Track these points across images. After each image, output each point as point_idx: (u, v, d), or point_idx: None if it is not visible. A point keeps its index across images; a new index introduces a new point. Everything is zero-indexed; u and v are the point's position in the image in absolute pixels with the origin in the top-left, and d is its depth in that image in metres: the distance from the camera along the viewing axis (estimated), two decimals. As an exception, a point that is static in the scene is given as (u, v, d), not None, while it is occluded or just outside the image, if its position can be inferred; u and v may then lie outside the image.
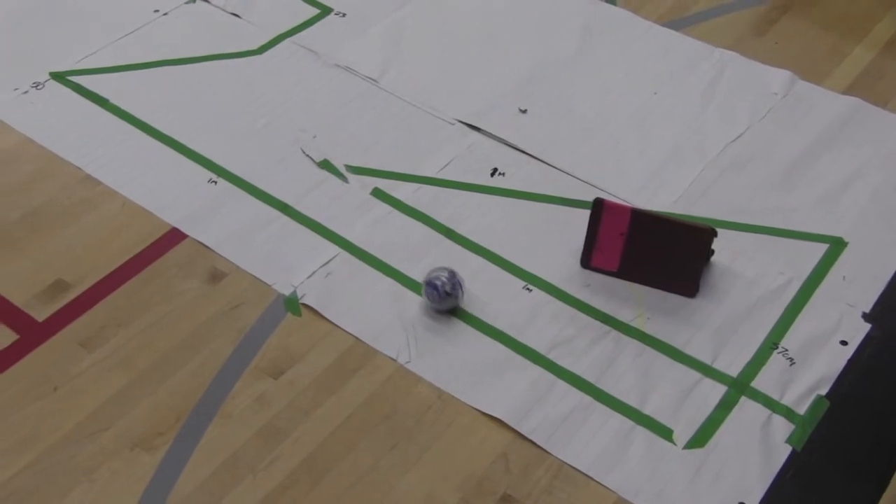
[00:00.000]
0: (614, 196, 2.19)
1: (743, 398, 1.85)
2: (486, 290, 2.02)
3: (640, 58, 2.60)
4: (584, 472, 1.74)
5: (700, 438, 1.79)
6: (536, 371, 1.89)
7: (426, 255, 2.08)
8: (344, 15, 2.72)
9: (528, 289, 2.03)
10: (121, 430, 1.80)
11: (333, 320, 1.97)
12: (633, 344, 1.93)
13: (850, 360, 1.91)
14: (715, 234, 2.03)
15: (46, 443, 1.78)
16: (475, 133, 2.38)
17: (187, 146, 2.33)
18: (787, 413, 1.82)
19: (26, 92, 2.47)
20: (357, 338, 1.94)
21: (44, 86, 2.48)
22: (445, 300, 1.95)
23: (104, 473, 1.74)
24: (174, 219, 2.17)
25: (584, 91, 2.49)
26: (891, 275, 2.06)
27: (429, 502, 1.71)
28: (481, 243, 2.12)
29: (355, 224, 2.16)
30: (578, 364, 1.90)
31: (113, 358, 1.91)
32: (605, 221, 2.03)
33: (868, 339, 1.95)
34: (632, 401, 1.84)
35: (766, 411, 1.83)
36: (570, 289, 2.03)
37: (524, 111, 2.43)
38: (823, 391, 1.86)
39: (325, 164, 2.29)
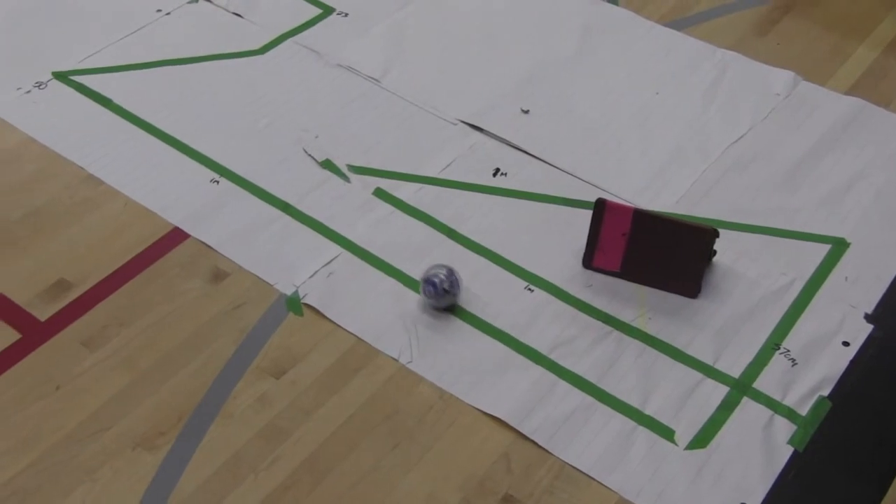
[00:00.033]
0: (616, 196, 2.19)
1: (745, 399, 1.85)
2: (487, 291, 2.02)
3: (641, 58, 2.60)
4: (586, 472, 1.74)
5: (702, 439, 1.79)
6: (538, 371, 1.89)
7: (428, 256, 2.08)
8: (346, 15, 2.72)
9: (529, 289, 2.03)
10: (123, 430, 1.80)
11: (335, 320, 1.97)
12: (635, 344, 1.93)
13: (852, 361, 1.91)
14: (717, 234, 2.03)
15: (48, 442, 1.78)
16: (477, 133, 2.38)
17: (189, 146, 2.33)
18: (789, 414, 1.82)
19: (29, 91, 2.47)
20: (359, 338, 1.95)
21: (46, 85, 2.49)
22: (444, 297, 1.96)
23: (106, 473, 1.74)
24: (176, 218, 2.17)
25: (586, 91, 2.49)
26: (893, 276, 2.06)
27: (430, 502, 1.71)
28: (483, 243, 2.12)
29: (357, 224, 2.16)
30: (580, 364, 1.90)
31: (115, 357, 1.91)
32: (607, 222, 2.03)
33: (870, 339, 1.94)
34: (633, 401, 1.84)
35: (768, 412, 1.83)
36: (572, 289, 2.03)
37: (526, 111, 2.43)
38: (825, 392, 1.86)
39: (327, 164, 2.29)
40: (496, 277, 2.05)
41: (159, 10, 2.72)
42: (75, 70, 2.52)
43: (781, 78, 2.51)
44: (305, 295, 2.01)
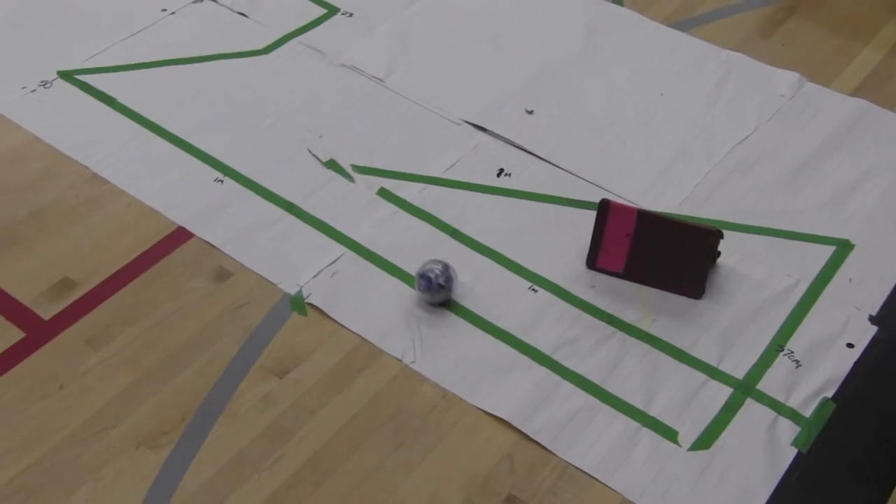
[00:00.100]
0: (620, 197, 2.19)
1: (749, 400, 1.84)
2: (491, 291, 2.02)
3: (646, 59, 2.60)
4: (589, 473, 1.74)
5: (705, 440, 1.79)
6: (542, 371, 1.89)
7: (432, 256, 2.07)
8: (351, 15, 2.72)
9: (533, 289, 2.03)
10: (126, 429, 1.80)
11: (339, 320, 1.97)
12: (639, 345, 1.93)
13: (856, 363, 1.91)
14: (721, 235, 2.02)
15: (52, 441, 1.78)
16: (481, 133, 2.38)
17: (194, 145, 2.33)
18: (793, 415, 1.82)
19: (34, 91, 2.47)
20: (362, 337, 1.95)
21: (51, 84, 2.49)
22: (439, 293, 1.96)
23: (109, 472, 1.74)
24: (180, 218, 2.17)
25: (591, 92, 2.49)
26: (897, 277, 2.06)
27: (433, 502, 1.71)
28: (487, 243, 2.12)
29: (361, 224, 2.16)
30: (584, 365, 1.90)
31: (119, 356, 1.92)
32: (611, 222, 2.03)
33: (874, 341, 1.94)
34: (637, 402, 1.84)
35: (772, 413, 1.82)
36: (576, 289, 2.03)
37: (530, 112, 2.42)
38: (829, 393, 1.86)
39: (332, 164, 2.29)
40: (500, 278, 2.05)
41: (164, 10, 2.72)
42: (80, 69, 2.53)
43: (786, 79, 2.51)
44: (309, 294, 2.01)
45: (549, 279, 2.05)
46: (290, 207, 2.19)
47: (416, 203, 2.20)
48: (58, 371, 1.89)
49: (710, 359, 1.91)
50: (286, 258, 2.09)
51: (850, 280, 2.04)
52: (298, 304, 2.00)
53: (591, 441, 1.78)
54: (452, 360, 1.91)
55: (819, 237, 2.13)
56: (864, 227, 2.15)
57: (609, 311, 1.99)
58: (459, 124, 2.40)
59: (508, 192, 2.24)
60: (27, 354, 1.92)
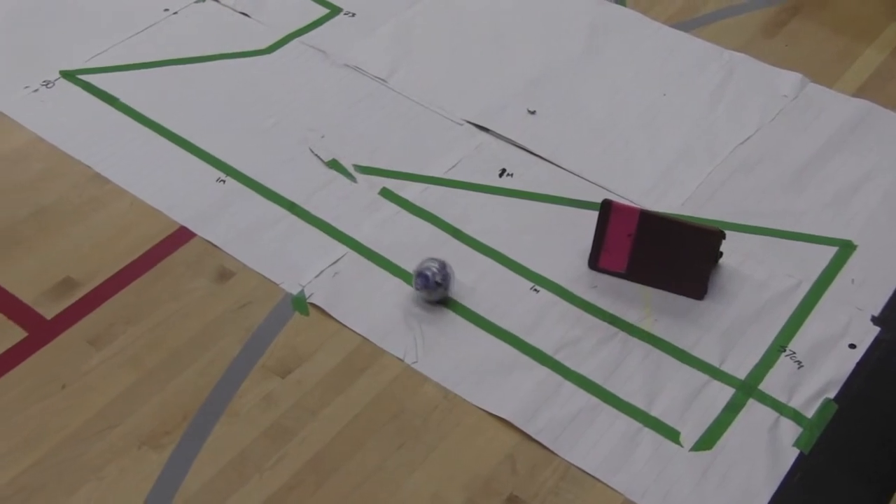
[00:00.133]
0: (622, 197, 2.19)
1: (750, 401, 1.84)
2: (493, 291, 2.02)
3: (649, 59, 2.60)
4: (591, 473, 1.74)
5: (707, 441, 1.79)
6: (543, 372, 1.89)
7: (434, 255, 2.07)
8: (353, 15, 2.72)
9: (535, 289, 2.03)
10: (128, 429, 1.80)
11: (341, 320, 1.97)
12: (641, 345, 1.93)
13: (858, 364, 1.90)
14: (723, 236, 2.02)
15: (54, 440, 1.79)
16: (483, 133, 2.38)
17: (196, 145, 2.33)
18: (795, 416, 1.82)
19: (37, 90, 2.48)
20: (364, 337, 1.95)
21: (54, 84, 2.49)
22: (436, 291, 1.96)
23: (112, 471, 1.74)
24: (182, 217, 2.17)
25: (593, 92, 2.49)
26: (900, 278, 2.06)
27: (435, 502, 1.71)
28: (489, 244, 2.12)
29: (363, 224, 2.16)
30: (585, 365, 1.90)
31: (121, 356, 1.92)
32: (613, 222, 2.02)
33: (877, 342, 1.94)
34: (639, 402, 1.84)
35: (774, 414, 1.82)
36: (578, 290, 2.03)
37: (533, 112, 2.42)
38: (831, 394, 1.85)
39: (334, 164, 2.29)
40: (501, 278, 2.05)
41: (167, 10, 2.72)
42: (83, 69, 2.53)
43: (789, 80, 2.51)
44: (311, 294, 2.01)
45: (551, 279, 2.05)
46: (292, 207, 2.19)
47: (418, 203, 2.21)
48: (60, 370, 1.89)
49: (712, 359, 1.91)
50: (288, 258, 2.09)
51: (853, 281, 2.04)
52: (300, 303, 2.00)
53: (592, 441, 1.78)
54: (454, 360, 1.91)
55: (821, 238, 2.13)
56: (866, 227, 2.15)
57: (611, 311, 1.99)
58: (461, 124, 2.40)
59: (510, 192, 2.24)
60: (29, 354, 1.92)
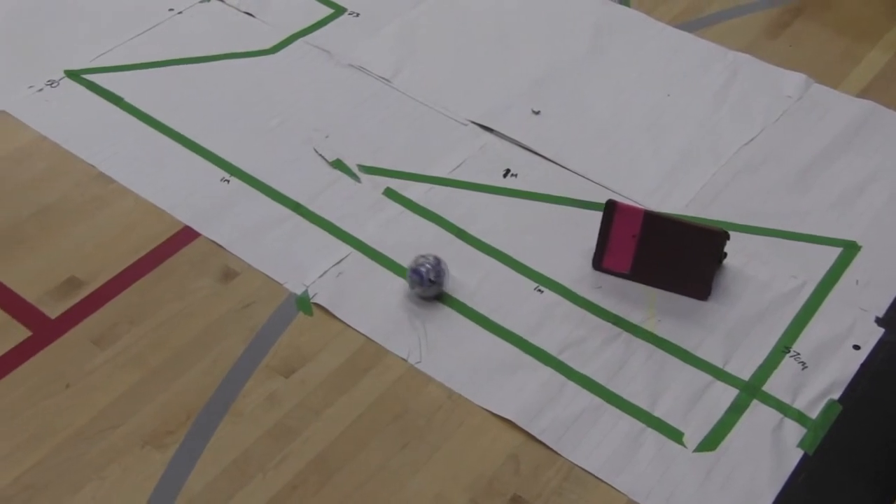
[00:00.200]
0: (627, 198, 2.19)
1: (754, 401, 1.84)
2: (497, 291, 2.02)
3: (653, 59, 2.59)
4: (595, 473, 1.74)
5: (711, 441, 1.78)
6: (547, 372, 1.89)
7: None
8: (357, 15, 2.72)
9: (539, 290, 2.03)
10: (132, 428, 1.80)
11: (345, 320, 1.97)
12: (645, 346, 1.93)
13: (862, 365, 1.90)
14: (727, 236, 2.02)
15: (57, 439, 1.79)
16: (488, 134, 2.37)
17: (200, 145, 2.34)
18: (799, 417, 1.82)
19: (41, 90, 2.48)
20: (368, 337, 1.95)
21: (58, 84, 2.49)
22: (430, 287, 1.96)
23: (115, 471, 1.75)
24: (186, 217, 2.17)
25: (597, 92, 2.49)
26: (904, 279, 2.06)
27: (438, 502, 1.71)
28: (493, 244, 2.12)
29: (367, 224, 2.16)
30: (589, 365, 1.90)
31: (125, 355, 1.92)
32: (618, 223, 2.02)
33: (881, 343, 1.94)
34: (642, 403, 1.84)
35: (778, 415, 1.82)
36: (582, 290, 2.03)
37: (537, 112, 2.42)
38: (836, 395, 1.85)
39: (338, 164, 2.29)
40: (505, 278, 2.05)
41: (171, 9, 2.72)
42: (87, 68, 2.53)
43: (793, 80, 2.51)
44: (315, 294, 2.01)
45: (555, 280, 2.04)
46: (297, 207, 2.19)
47: (423, 203, 2.20)
48: (64, 370, 1.89)
49: (715, 360, 1.91)
50: (292, 258, 2.09)
51: (857, 282, 2.04)
52: (304, 303, 2.00)
53: (596, 441, 1.78)
54: (458, 360, 1.91)
55: (826, 238, 2.13)
56: (871, 228, 2.15)
57: (615, 311, 1.99)
58: (466, 125, 2.40)
59: (514, 192, 2.24)
60: (33, 353, 1.92)
